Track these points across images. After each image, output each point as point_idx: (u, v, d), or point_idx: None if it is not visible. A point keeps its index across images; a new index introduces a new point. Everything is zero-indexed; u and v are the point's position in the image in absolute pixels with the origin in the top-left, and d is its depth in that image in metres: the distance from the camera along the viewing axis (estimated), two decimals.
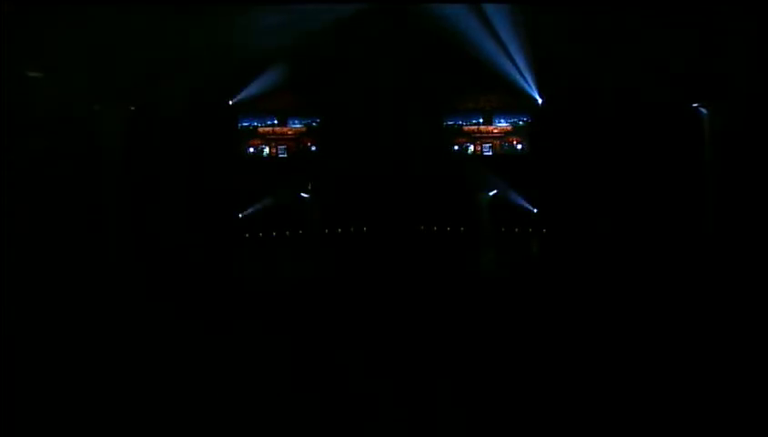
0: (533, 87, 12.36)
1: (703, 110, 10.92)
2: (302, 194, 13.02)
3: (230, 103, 12.69)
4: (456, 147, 13.23)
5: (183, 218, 11.63)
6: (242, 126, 13.03)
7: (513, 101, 12.87)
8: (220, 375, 5.92)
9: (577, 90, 11.87)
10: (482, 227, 12.91)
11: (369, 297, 9.33)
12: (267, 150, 13.15)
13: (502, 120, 13.13)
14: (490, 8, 11.60)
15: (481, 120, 13.18)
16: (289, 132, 13.24)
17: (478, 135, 13.20)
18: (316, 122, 13.25)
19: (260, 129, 13.14)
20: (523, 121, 13.05)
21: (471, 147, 13.21)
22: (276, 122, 13.18)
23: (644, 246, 10.63)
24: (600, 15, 10.82)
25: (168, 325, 7.69)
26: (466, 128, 13.22)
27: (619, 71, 11.12)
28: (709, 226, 10.69)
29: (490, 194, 12.88)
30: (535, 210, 12.72)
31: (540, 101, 12.54)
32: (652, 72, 10.73)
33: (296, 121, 13.23)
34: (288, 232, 12.99)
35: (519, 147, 13.10)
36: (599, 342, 6.44)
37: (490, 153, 13.13)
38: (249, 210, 12.79)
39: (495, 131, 13.16)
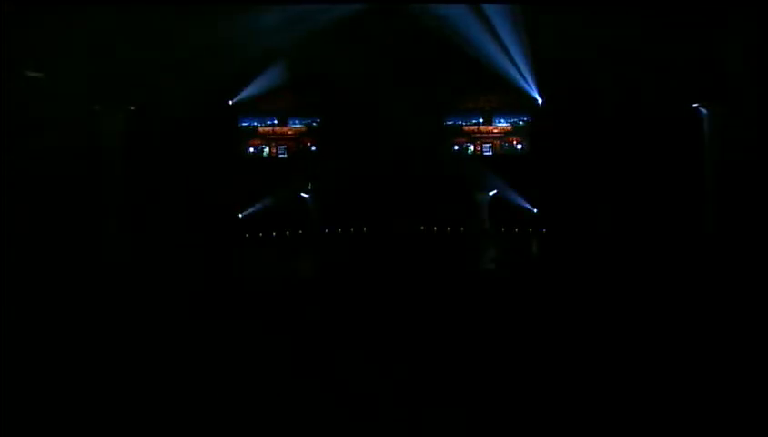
0: (533, 87, 12.36)
1: (703, 110, 10.92)
2: (302, 194, 13.02)
3: (230, 103, 12.69)
4: (456, 147, 13.24)
5: (183, 218, 11.62)
6: (242, 126, 13.04)
7: (513, 101, 12.89)
8: (220, 376, 5.92)
9: (577, 90, 11.87)
10: (482, 227, 12.91)
11: (369, 297, 9.33)
12: (267, 150, 13.16)
13: (502, 120, 13.14)
14: (490, 8, 11.60)
15: (481, 120, 13.18)
16: (289, 132, 13.25)
17: (478, 135, 13.20)
18: (316, 122, 13.26)
19: (260, 129, 13.15)
20: (523, 121, 13.06)
21: (471, 147, 13.21)
22: (276, 122, 13.19)
23: (644, 246, 10.63)
24: (599, 16, 10.82)
25: (168, 325, 7.69)
26: (466, 128, 13.24)
27: (619, 71, 11.12)
28: (709, 226, 10.69)
29: (490, 194, 12.88)
30: (535, 210, 12.72)
31: (540, 101, 12.54)
32: (652, 72, 10.73)
33: (296, 121, 13.24)
34: (287, 232, 12.99)
35: (519, 147, 13.11)
36: (599, 342, 6.44)
37: (490, 153, 13.13)
38: (249, 210, 12.79)
39: (495, 131, 13.16)
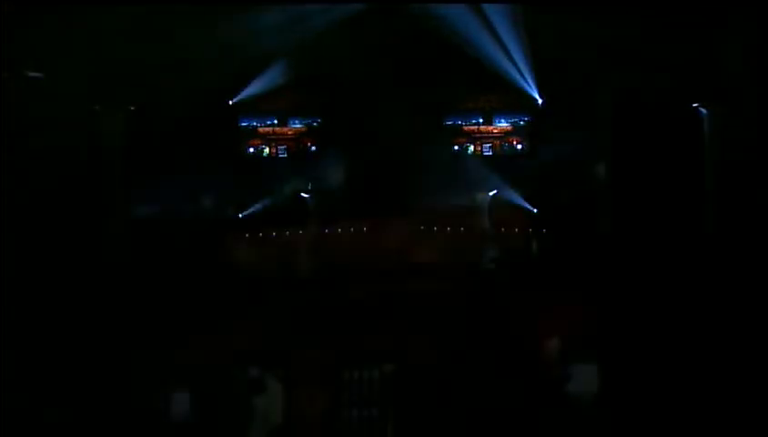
0: (533, 87, 12.35)
1: (703, 110, 10.92)
2: (302, 194, 13.01)
3: (230, 103, 12.69)
4: (456, 147, 13.23)
5: (183, 218, 11.63)
6: (242, 126, 13.04)
7: (513, 101, 12.88)
8: (220, 375, 5.93)
9: (577, 90, 11.87)
10: (482, 227, 12.89)
11: (369, 297, 9.34)
12: (267, 150, 13.16)
13: (502, 120, 13.14)
14: (490, 8, 11.60)
15: (481, 120, 13.18)
16: (289, 132, 13.25)
17: (478, 135, 13.20)
18: (316, 122, 13.26)
19: (260, 129, 13.15)
20: (523, 121, 13.06)
21: (471, 147, 13.21)
22: (276, 122, 13.19)
23: (644, 246, 10.63)
24: (599, 16, 10.82)
25: (168, 325, 7.70)
26: (466, 128, 13.23)
27: (619, 71, 11.12)
28: (709, 226, 10.68)
29: (490, 194, 12.87)
30: (535, 210, 12.72)
31: (540, 101, 12.54)
32: (652, 72, 10.73)
33: (296, 121, 13.24)
34: (288, 232, 12.98)
35: (519, 147, 13.10)
36: (598, 342, 6.45)
37: (490, 153, 13.13)
38: (249, 210, 12.79)
39: (495, 131, 13.16)
